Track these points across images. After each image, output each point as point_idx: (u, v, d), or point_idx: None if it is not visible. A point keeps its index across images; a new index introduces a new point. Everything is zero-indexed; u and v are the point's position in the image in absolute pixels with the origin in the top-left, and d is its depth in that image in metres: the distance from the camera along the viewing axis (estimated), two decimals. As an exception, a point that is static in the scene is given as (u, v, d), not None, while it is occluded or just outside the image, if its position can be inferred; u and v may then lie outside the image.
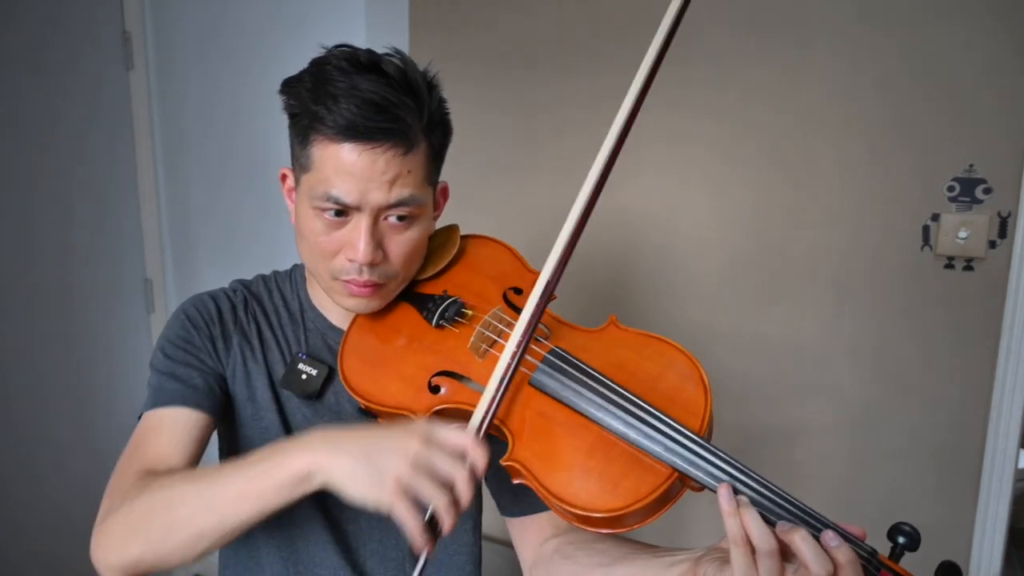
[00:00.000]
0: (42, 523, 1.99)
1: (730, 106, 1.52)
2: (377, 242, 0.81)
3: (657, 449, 0.69)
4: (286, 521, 0.90)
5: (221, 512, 0.67)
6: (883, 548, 0.68)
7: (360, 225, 0.79)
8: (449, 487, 0.63)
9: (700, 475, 0.68)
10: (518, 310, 0.81)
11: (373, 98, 0.76)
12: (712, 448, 0.69)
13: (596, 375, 0.76)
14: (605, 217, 1.64)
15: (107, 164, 2.16)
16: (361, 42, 0.81)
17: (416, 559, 0.67)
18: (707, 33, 1.48)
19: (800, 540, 0.62)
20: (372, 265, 0.81)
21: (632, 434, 0.71)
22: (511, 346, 0.73)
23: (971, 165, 1.35)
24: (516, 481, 0.75)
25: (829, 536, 0.63)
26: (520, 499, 0.96)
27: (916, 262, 1.41)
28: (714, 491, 0.67)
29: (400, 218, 0.82)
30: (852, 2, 1.40)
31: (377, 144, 0.76)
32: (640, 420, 0.71)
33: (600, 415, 0.73)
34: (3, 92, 1.87)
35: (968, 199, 1.36)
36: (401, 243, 0.83)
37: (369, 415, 0.84)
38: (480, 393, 0.73)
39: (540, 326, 0.80)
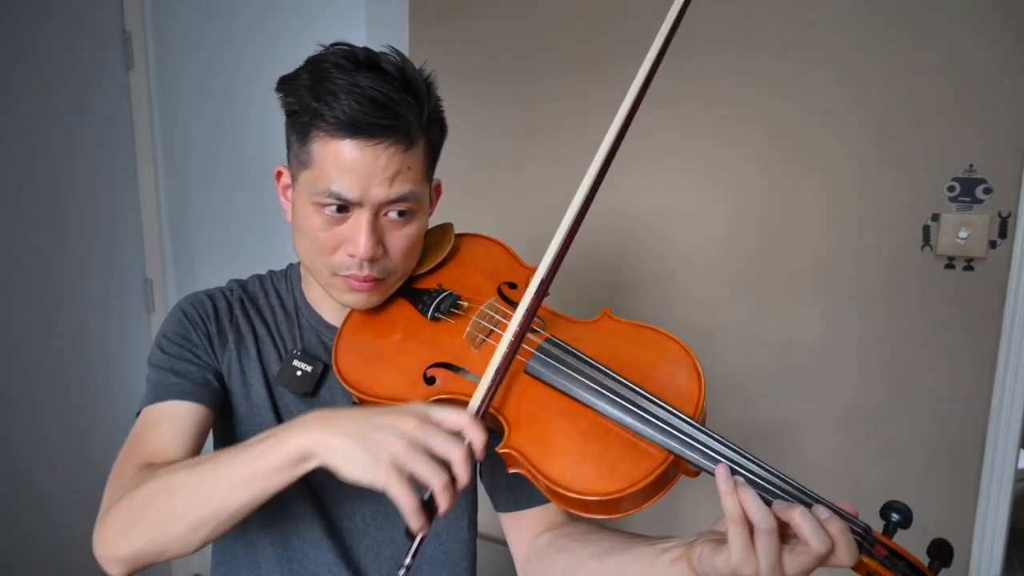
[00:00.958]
0: (41, 523, 1.99)
1: (730, 104, 1.52)
2: (377, 237, 0.82)
3: (652, 432, 0.70)
4: (281, 518, 0.90)
5: (220, 498, 0.67)
6: (876, 527, 0.69)
7: (361, 220, 0.80)
8: (446, 466, 0.63)
9: (696, 457, 0.68)
10: (513, 303, 0.83)
11: (374, 95, 0.76)
12: (707, 430, 0.70)
13: (591, 362, 0.76)
14: (601, 214, 1.64)
15: (107, 164, 2.16)
16: (361, 35, 0.81)
17: (410, 539, 0.66)
18: (708, 32, 1.48)
19: (800, 517, 0.62)
20: (372, 260, 0.82)
21: (627, 419, 0.71)
22: (512, 328, 0.74)
23: (971, 165, 1.35)
24: (512, 470, 0.75)
25: (819, 510, 0.64)
26: (515, 493, 0.97)
27: (916, 262, 1.41)
28: (710, 473, 0.67)
29: (400, 214, 0.82)
30: (853, 3, 1.40)
31: (379, 140, 0.77)
32: (635, 405, 0.72)
33: (595, 401, 0.73)
34: (3, 92, 1.87)
35: (968, 199, 1.36)
36: (400, 238, 0.84)
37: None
38: (475, 384, 0.74)
39: (535, 318, 0.80)
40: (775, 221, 1.52)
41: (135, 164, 2.25)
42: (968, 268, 1.38)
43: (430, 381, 0.81)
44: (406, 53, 0.82)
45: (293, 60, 0.84)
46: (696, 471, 0.70)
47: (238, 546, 0.94)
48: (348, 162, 0.77)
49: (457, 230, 1.00)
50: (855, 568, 0.66)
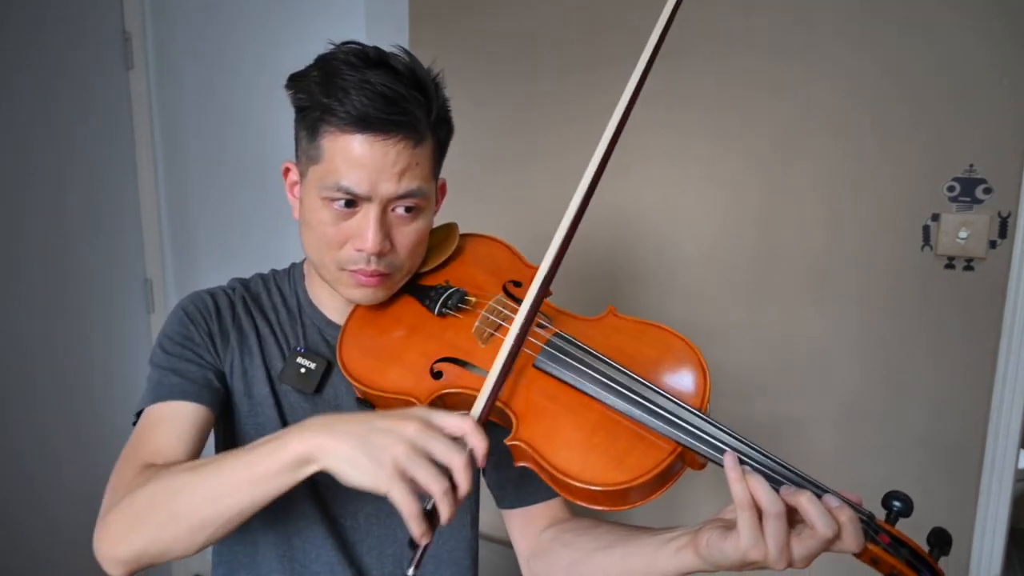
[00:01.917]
0: (40, 524, 1.99)
1: (730, 103, 1.52)
2: (385, 232, 0.82)
3: (660, 424, 0.71)
4: (283, 517, 0.90)
5: (222, 500, 0.67)
6: (879, 516, 0.70)
7: (369, 215, 0.81)
8: (447, 473, 0.63)
9: (704, 447, 0.69)
10: (519, 301, 0.83)
11: (385, 91, 0.77)
12: (714, 421, 0.71)
13: (598, 356, 0.77)
14: (601, 214, 1.64)
15: (107, 164, 2.16)
16: (361, 36, 0.82)
17: (413, 549, 0.66)
18: (707, 32, 1.48)
19: (807, 501, 0.64)
20: (380, 255, 0.83)
21: (635, 411, 0.72)
22: (517, 324, 0.74)
23: (971, 165, 1.35)
24: (519, 464, 0.76)
25: (830, 498, 0.65)
26: (519, 489, 0.97)
27: (916, 262, 1.41)
28: (718, 463, 0.68)
29: (407, 209, 0.83)
30: (852, 4, 1.40)
31: (389, 136, 0.78)
32: (642, 397, 0.73)
33: (603, 394, 0.74)
34: (2, 92, 1.87)
35: (968, 199, 1.36)
36: (408, 234, 0.85)
37: (366, 404, 0.85)
38: (482, 378, 0.74)
39: (541, 315, 0.82)
40: (775, 221, 1.52)
41: (135, 164, 2.25)
42: (968, 268, 1.38)
43: (437, 375, 0.82)
44: (384, 49, 0.82)
45: (293, 59, 0.85)
46: (702, 463, 0.72)
47: (238, 547, 0.93)
48: (358, 157, 0.78)
49: (460, 230, 1.01)
50: (859, 555, 0.67)
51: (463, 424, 0.66)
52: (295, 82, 0.83)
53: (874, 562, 0.68)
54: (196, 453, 0.82)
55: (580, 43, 1.65)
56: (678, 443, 0.70)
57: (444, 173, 0.92)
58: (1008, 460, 1.38)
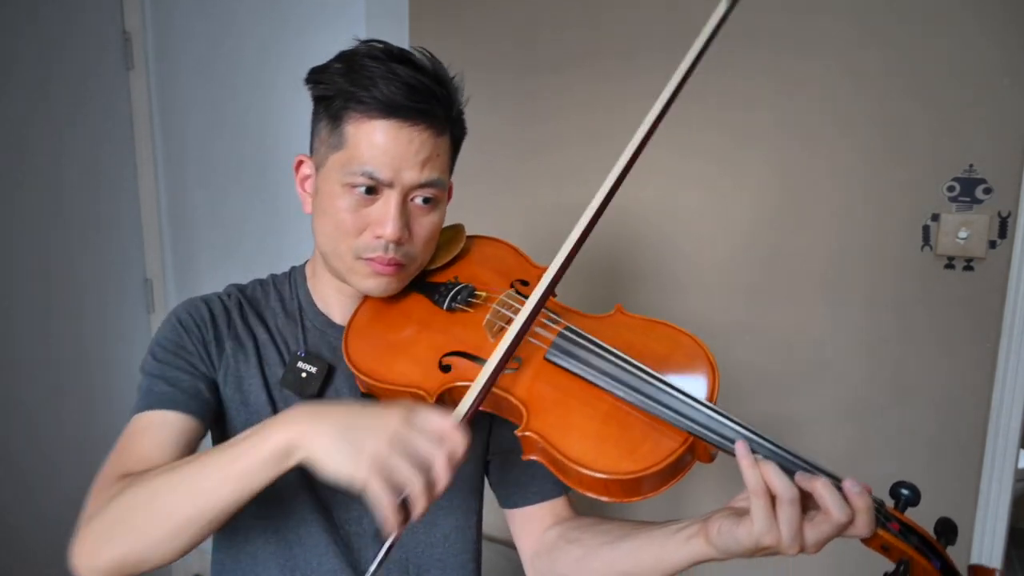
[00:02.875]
0: (38, 524, 1.99)
1: (731, 103, 1.52)
2: (405, 220, 0.83)
3: (672, 415, 0.72)
4: (283, 526, 0.89)
5: (204, 497, 0.66)
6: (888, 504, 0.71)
7: (391, 202, 0.82)
8: (426, 470, 0.63)
9: (715, 437, 0.70)
10: (524, 296, 0.85)
11: (411, 81, 0.79)
12: (724, 412, 0.72)
13: (609, 349, 0.78)
14: (607, 215, 1.64)
15: (107, 164, 2.16)
16: (361, 32, 0.82)
17: (381, 542, 0.66)
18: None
19: (822, 487, 0.65)
20: (399, 243, 0.83)
21: (647, 402, 0.73)
22: (521, 316, 0.75)
23: (971, 165, 1.35)
24: (530, 457, 0.76)
25: (849, 484, 0.66)
26: (523, 488, 0.97)
27: (916, 262, 1.41)
28: (729, 452, 0.69)
29: (425, 200, 0.84)
30: (853, 3, 1.40)
31: (414, 124, 0.80)
32: (653, 388, 0.73)
33: (615, 385, 0.75)
34: (3, 92, 1.87)
35: (968, 199, 1.36)
36: (425, 225, 0.86)
37: (371, 398, 0.85)
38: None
39: (549, 312, 0.83)
40: (775, 220, 1.52)
41: (135, 164, 2.25)
42: (968, 268, 1.38)
43: (445, 369, 0.82)
44: (406, 48, 0.84)
45: (294, 59, 0.85)
46: (712, 456, 0.73)
47: (240, 556, 0.92)
48: (382, 143, 0.79)
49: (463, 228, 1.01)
50: (868, 541, 0.68)
51: (445, 423, 0.66)
52: (317, 74, 0.84)
53: (884, 549, 0.69)
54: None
55: (581, 36, 1.65)
56: (690, 433, 0.71)
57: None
58: (1008, 460, 1.38)
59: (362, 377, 0.83)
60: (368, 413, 0.66)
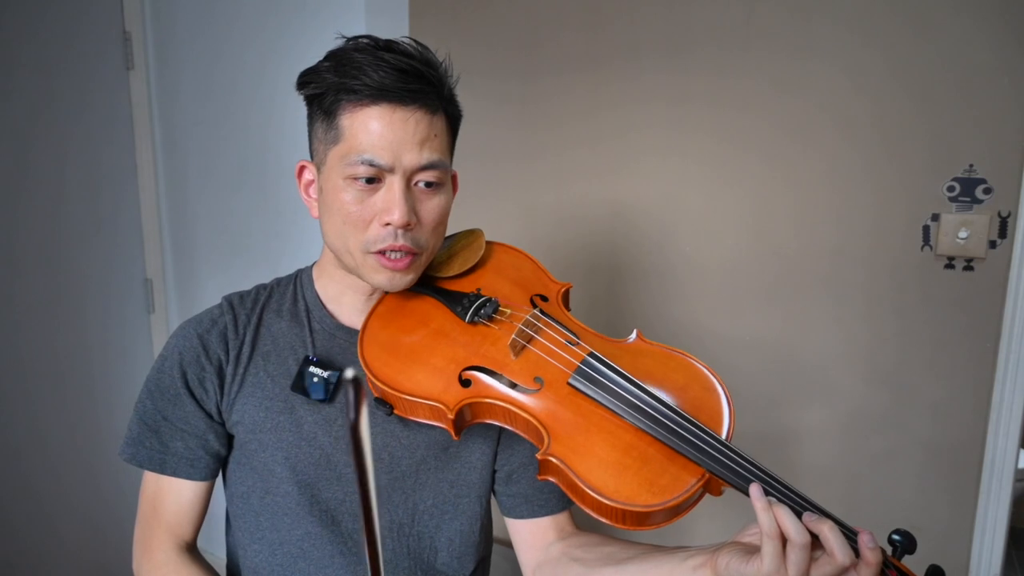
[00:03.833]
0: (40, 524, 1.99)
1: (731, 104, 1.52)
2: (410, 205, 0.83)
3: (691, 451, 0.73)
4: (303, 563, 0.89)
5: None
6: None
7: (394, 187, 0.81)
8: None
9: (731, 476, 0.71)
10: (548, 316, 0.87)
11: (400, 65, 0.79)
12: (741, 452, 0.73)
13: (631, 379, 0.79)
14: (603, 211, 1.64)
15: (107, 164, 2.16)
16: (360, 30, 0.82)
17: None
18: (711, 29, 1.48)
19: (828, 530, 0.67)
20: (407, 228, 0.83)
21: (668, 436, 0.74)
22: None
23: (971, 165, 1.35)
24: (544, 478, 0.76)
25: (866, 539, 0.68)
26: (529, 501, 0.97)
27: (916, 262, 1.41)
28: (742, 491, 0.71)
29: (428, 184, 0.84)
30: (853, 3, 1.40)
31: (407, 106, 0.80)
32: (674, 423, 0.74)
33: (637, 416, 0.75)
34: (3, 92, 1.87)
35: (968, 199, 1.36)
36: (431, 209, 0.85)
37: (384, 405, 0.84)
38: (505, 391, 0.78)
39: (568, 331, 0.85)
40: (775, 220, 1.52)
41: (135, 164, 2.25)
42: (968, 268, 1.38)
43: (465, 383, 0.81)
44: (392, 39, 0.85)
45: (294, 59, 0.85)
46: (721, 491, 0.74)
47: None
48: (378, 128, 0.79)
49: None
50: None
51: None
52: (306, 76, 0.84)
53: None
54: (203, 515, 0.93)
55: (581, 36, 1.65)
56: (707, 470, 0.72)
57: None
58: (1008, 460, 1.38)
59: (377, 383, 0.83)
60: None
